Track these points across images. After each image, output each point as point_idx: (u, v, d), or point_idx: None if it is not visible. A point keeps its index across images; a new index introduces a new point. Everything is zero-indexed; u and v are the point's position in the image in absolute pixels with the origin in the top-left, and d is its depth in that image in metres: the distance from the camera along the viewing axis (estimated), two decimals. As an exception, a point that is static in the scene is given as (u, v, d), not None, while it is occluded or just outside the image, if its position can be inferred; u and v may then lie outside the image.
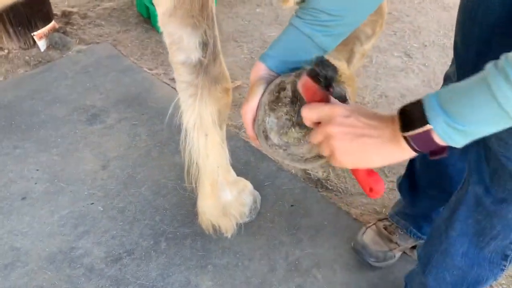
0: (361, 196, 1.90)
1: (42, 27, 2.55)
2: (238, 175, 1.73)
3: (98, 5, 2.97)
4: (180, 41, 1.24)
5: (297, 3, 1.47)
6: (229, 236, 1.66)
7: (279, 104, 0.92)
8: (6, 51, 2.53)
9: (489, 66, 0.65)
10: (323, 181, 1.94)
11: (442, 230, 1.20)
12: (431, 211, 1.56)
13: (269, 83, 0.96)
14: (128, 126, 2.14)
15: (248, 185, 1.74)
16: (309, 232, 1.74)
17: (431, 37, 2.82)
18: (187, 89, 1.34)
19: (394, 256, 1.63)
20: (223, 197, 1.59)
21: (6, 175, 1.90)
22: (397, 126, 0.74)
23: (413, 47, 2.73)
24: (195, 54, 1.27)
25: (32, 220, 1.75)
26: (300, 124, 0.89)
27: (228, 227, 1.63)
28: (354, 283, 1.60)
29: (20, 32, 2.50)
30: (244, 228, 1.70)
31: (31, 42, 2.55)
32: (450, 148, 0.72)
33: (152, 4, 2.09)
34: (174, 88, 2.30)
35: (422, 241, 1.62)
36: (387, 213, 1.72)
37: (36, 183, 1.87)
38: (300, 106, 0.87)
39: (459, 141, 0.70)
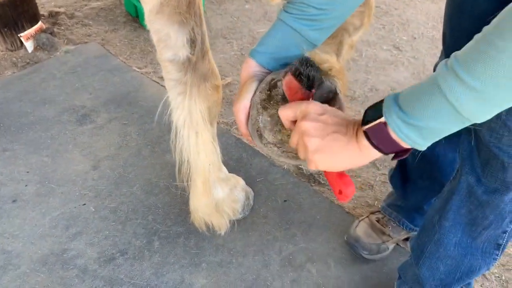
0: (354, 190, 1.90)
1: (29, 28, 2.52)
2: (230, 171, 1.73)
3: (86, 5, 2.95)
4: (167, 38, 1.23)
5: (285, -1, 1.46)
6: (222, 233, 1.66)
7: (271, 102, 0.92)
8: (-8, 53, 2.51)
9: (441, 64, 0.67)
10: (316, 175, 1.94)
11: (435, 220, 1.20)
12: (423, 202, 1.56)
13: (260, 80, 0.96)
14: (118, 125, 2.13)
15: (240, 182, 1.74)
16: (302, 227, 1.74)
17: (419, 29, 2.83)
18: (176, 87, 1.33)
19: (387, 249, 1.63)
20: (215, 194, 1.58)
21: (-5, 178, 1.89)
22: (360, 122, 0.76)
23: (402, 40, 2.74)
24: (183, 52, 1.25)
25: (23, 223, 1.73)
26: None
27: (221, 224, 1.62)
28: (348, 276, 1.60)
29: (6, 34, 2.48)
30: (237, 225, 1.70)
31: (18, 43, 2.53)
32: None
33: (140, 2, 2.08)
34: (164, 87, 2.28)
35: (414, 233, 1.63)
36: (379, 206, 1.72)
37: (26, 185, 1.86)
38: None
39: (414, 138, 0.70)
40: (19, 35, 2.50)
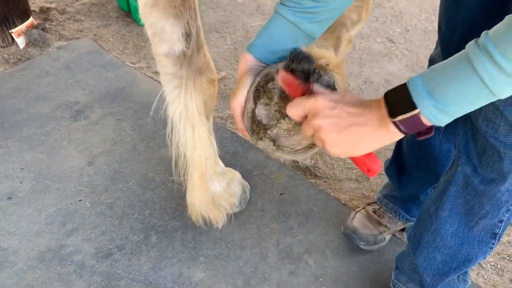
0: (349, 182, 1.91)
1: (20, 24, 2.50)
2: (226, 165, 1.73)
3: (77, 0, 2.92)
4: (162, 32, 1.22)
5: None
6: (220, 226, 1.66)
7: (268, 96, 0.91)
8: (-16, 49, 2.49)
9: (471, 43, 0.66)
10: (311, 168, 1.95)
11: (431, 211, 1.21)
12: (419, 193, 1.57)
13: (257, 74, 0.95)
14: (113, 121, 2.12)
15: (237, 175, 1.74)
16: (299, 219, 1.75)
17: (413, 21, 2.83)
18: (172, 81, 1.32)
19: (384, 239, 1.64)
20: (212, 188, 1.59)
21: (-10, 176, 1.88)
22: (384, 111, 0.74)
23: (395, 32, 2.74)
24: (178, 45, 1.25)
25: (19, 220, 1.72)
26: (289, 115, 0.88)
27: (218, 218, 1.62)
28: (345, 267, 1.61)
29: (-3, 30, 2.45)
30: (234, 218, 1.71)
31: (10, 39, 2.50)
32: (435, 127, 0.73)
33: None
34: (158, 81, 2.28)
35: (411, 224, 1.64)
36: (375, 197, 1.73)
37: (21, 182, 1.85)
38: (289, 97, 0.87)
39: (443, 120, 0.71)
40: (10, 31, 2.47)
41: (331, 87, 0.89)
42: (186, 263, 1.61)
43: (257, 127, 0.93)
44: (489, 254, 1.23)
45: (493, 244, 1.20)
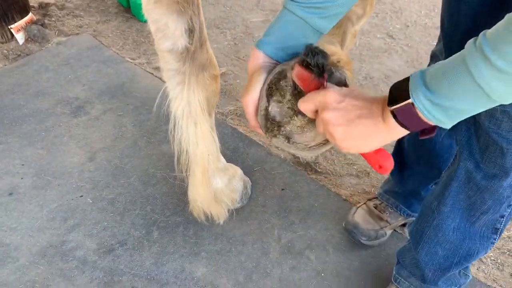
0: (350, 177, 1.92)
1: (19, 20, 2.49)
2: (227, 161, 1.73)
3: (76, -5, 2.91)
4: (165, 28, 1.22)
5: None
6: (221, 222, 1.67)
7: (281, 93, 0.91)
8: (-17, 45, 2.48)
9: (470, 42, 0.67)
10: (312, 164, 1.95)
11: (434, 206, 1.22)
12: (420, 188, 1.58)
13: (268, 71, 0.95)
14: (113, 117, 2.12)
15: (238, 171, 1.74)
16: (301, 215, 1.76)
17: (412, 17, 2.84)
18: (175, 77, 1.32)
19: (385, 234, 1.65)
20: (214, 184, 1.59)
21: (-9, 171, 1.88)
22: (386, 102, 0.75)
23: (395, 28, 2.75)
24: (182, 41, 1.25)
25: (20, 216, 1.72)
26: (302, 112, 0.88)
27: (219, 213, 1.63)
28: (347, 262, 1.62)
29: (-4, 26, 2.45)
30: (236, 214, 1.71)
31: (9, 35, 2.49)
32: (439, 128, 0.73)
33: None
34: (158, 77, 2.29)
35: (412, 219, 1.65)
36: (376, 193, 1.74)
37: (22, 178, 1.85)
38: (301, 94, 0.87)
39: (440, 118, 0.70)
40: (9, 27, 2.46)
41: (343, 83, 0.89)
42: (188, 259, 1.62)
43: (271, 124, 0.93)
44: (490, 249, 1.24)
45: (495, 239, 1.21)
